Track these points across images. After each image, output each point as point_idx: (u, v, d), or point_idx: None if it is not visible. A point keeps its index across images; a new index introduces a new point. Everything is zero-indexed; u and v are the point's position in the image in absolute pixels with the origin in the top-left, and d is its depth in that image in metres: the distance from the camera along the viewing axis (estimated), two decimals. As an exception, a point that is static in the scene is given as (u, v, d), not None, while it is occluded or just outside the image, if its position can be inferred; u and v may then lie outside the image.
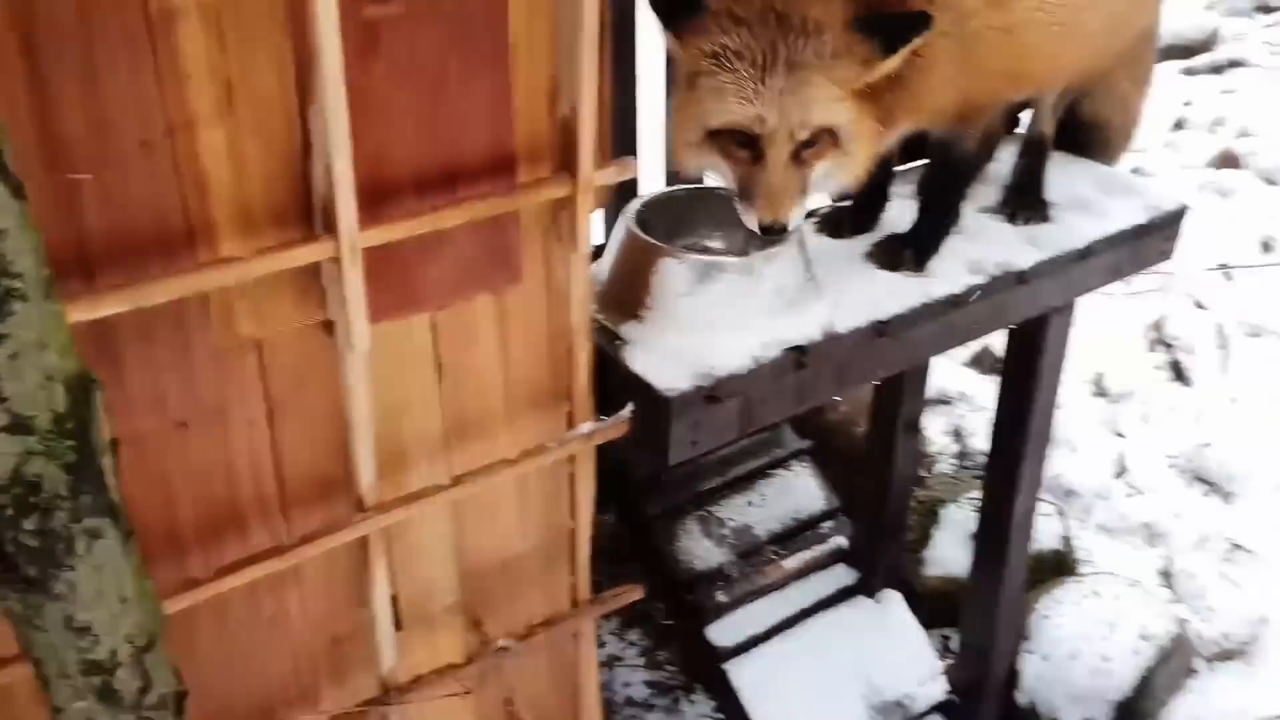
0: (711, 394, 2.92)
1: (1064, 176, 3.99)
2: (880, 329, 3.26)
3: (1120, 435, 6.49)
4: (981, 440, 6.14)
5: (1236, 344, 6.94)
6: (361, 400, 2.54)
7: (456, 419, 2.82)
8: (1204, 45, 11.85)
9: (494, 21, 2.45)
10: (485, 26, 2.45)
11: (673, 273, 3.04)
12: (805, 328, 3.14)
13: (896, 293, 3.37)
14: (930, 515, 5.56)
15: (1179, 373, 6.82)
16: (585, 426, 2.94)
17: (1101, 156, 4.27)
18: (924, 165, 3.69)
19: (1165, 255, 4.10)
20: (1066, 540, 5.57)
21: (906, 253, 3.49)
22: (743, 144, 2.79)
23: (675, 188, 3.49)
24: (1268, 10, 12.93)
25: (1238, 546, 5.60)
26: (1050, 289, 3.75)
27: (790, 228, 2.87)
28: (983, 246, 3.64)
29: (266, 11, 2.15)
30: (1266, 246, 7.98)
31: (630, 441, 3.02)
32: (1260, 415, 6.49)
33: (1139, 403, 6.67)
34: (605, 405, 3.02)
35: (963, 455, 6.21)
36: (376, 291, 2.43)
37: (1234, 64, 11.21)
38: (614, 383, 3.00)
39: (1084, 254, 3.75)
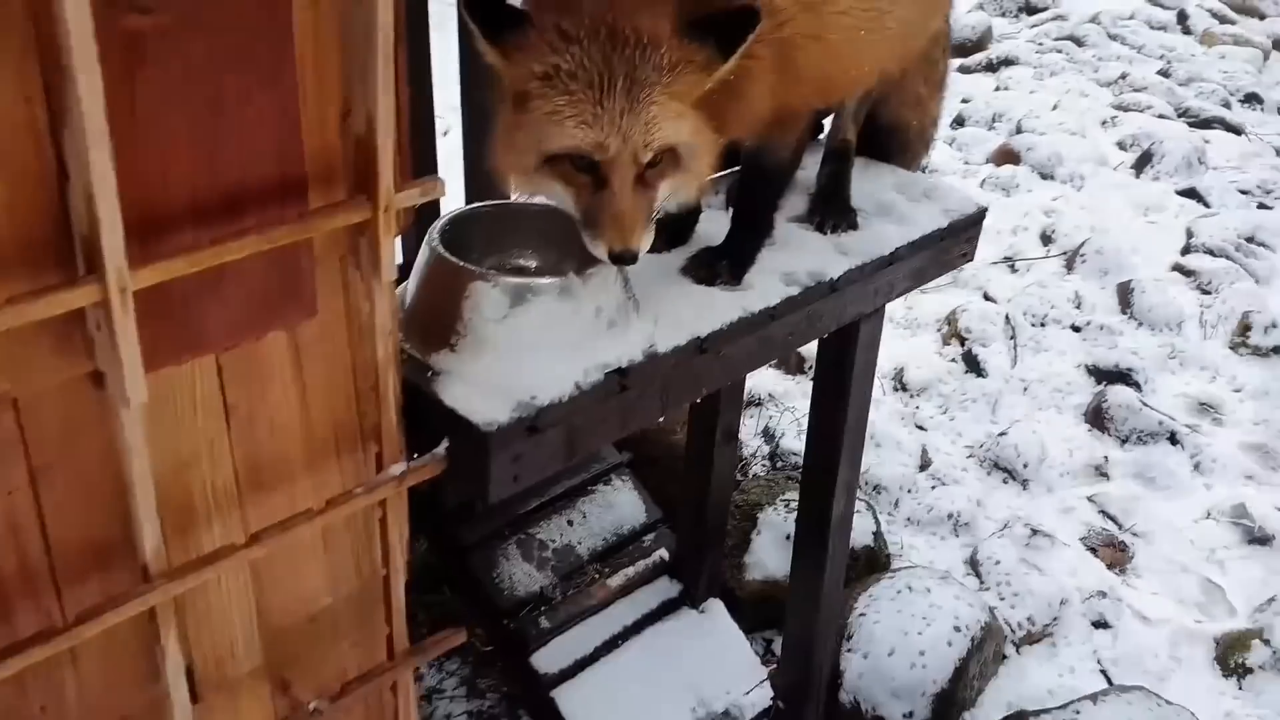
0: (533, 425, 2.76)
1: (868, 182, 4.02)
2: (700, 346, 3.17)
3: (922, 428, 6.67)
4: (792, 440, 6.20)
5: (1024, 334, 7.26)
6: (140, 457, 2.25)
7: (251, 469, 2.55)
8: (978, 44, 12.45)
9: (276, 32, 2.21)
10: (266, 37, 2.20)
11: (485, 297, 2.85)
12: (626, 348, 3.01)
13: (715, 307, 3.29)
14: (749, 519, 5.55)
15: (974, 365, 7.08)
16: (396, 468, 2.72)
17: (902, 160, 4.33)
18: (734, 176, 3.63)
19: (967, 257, 4.19)
20: (878, 536, 5.67)
21: (722, 266, 3.41)
22: (584, 169, 2.66)
23: (482, 204, 3.30)
24: (1033, 11, 13.70)
25: (1036, 531, 5.84)
26: (860, 296, 3.75)
27: (641, 254, 2.73)
28: (794, 256, 3.61)
29: (2, 23, 1.85)
30: (1046, 239, 8.40)
31: (447, 478, 2.82)
32: (1049, 402, 6.81)
33: (938, 396, 6.88)
34: (418, 443, 2.81)
35: (775, 456, 6.26)
36: (152, 335, 2.15)
37: (1006, 62, 11.81)
38: (426, 418, 2.79)
39: (891, 259, 3.77)
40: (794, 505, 4.85)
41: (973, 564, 5.71)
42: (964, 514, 5.95)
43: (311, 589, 2.86)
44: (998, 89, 11.23)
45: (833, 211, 3.81)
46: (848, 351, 3.98)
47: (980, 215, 4.09)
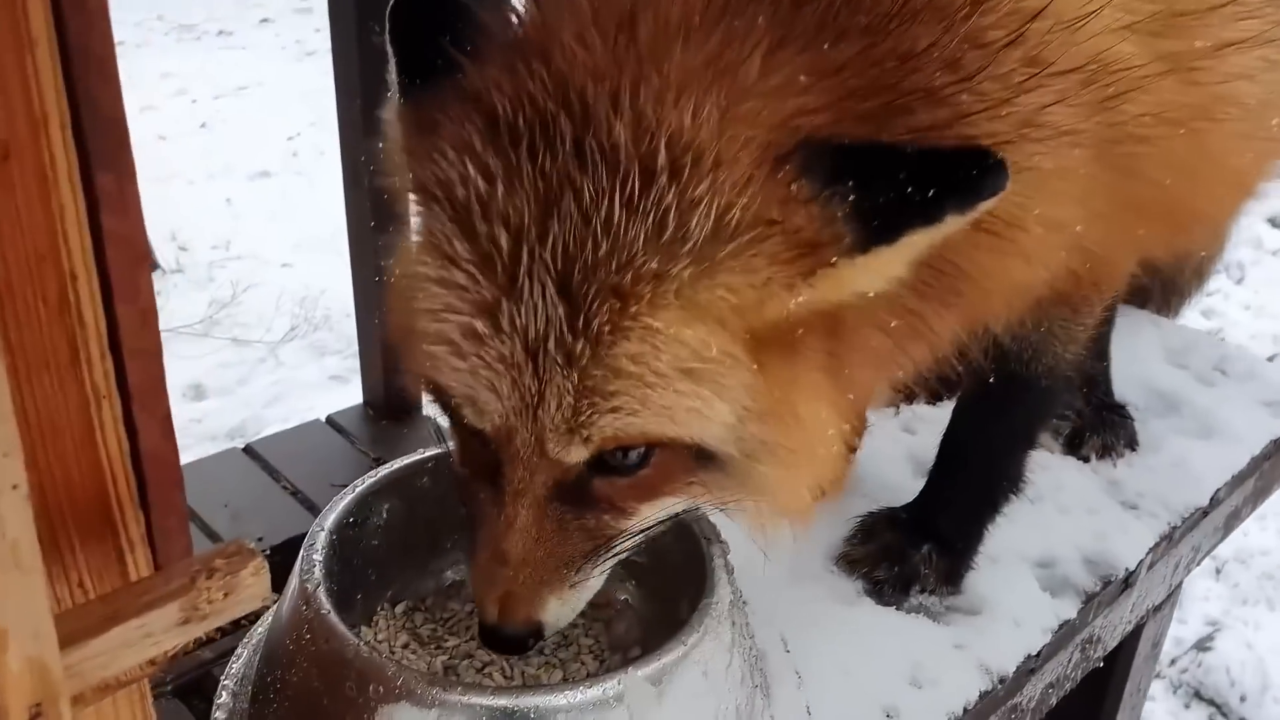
0: None
1: (1120, 349, 2.28)
2: (906, 775, 1.44)
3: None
4: None
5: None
6: None
7: None
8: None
9: None
10: None
11: None
12: None
13: (917, 657, 1.57)
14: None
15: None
16: None
17: (1163, 303, 2.61)
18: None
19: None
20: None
21: (924, 558, 1.71)
22: (477, 438, 1.23)
23: (415, 459, 1.55)
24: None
25: None
26: (1155, 581, 2.01)
27: (548, 632, 1.27)
28: (1043, 518, 1.89)
29: None
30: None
31: None
32: (1256, 594, 5.00)
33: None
34: None
35: None
36: None
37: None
38: None
39: (1209, 507, 2.04)
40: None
41: None
42: (1166, 778, 4.14)
43: None
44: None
45: (1098, 421, 2.08)
46: (1112, 672, 2.23)
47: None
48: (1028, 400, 1.62)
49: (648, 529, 1.25)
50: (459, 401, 1.16)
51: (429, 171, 1.14)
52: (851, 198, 1.05)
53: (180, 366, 5.74)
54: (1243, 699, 4.46)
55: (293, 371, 5.97)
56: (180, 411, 5.44)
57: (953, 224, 1.05)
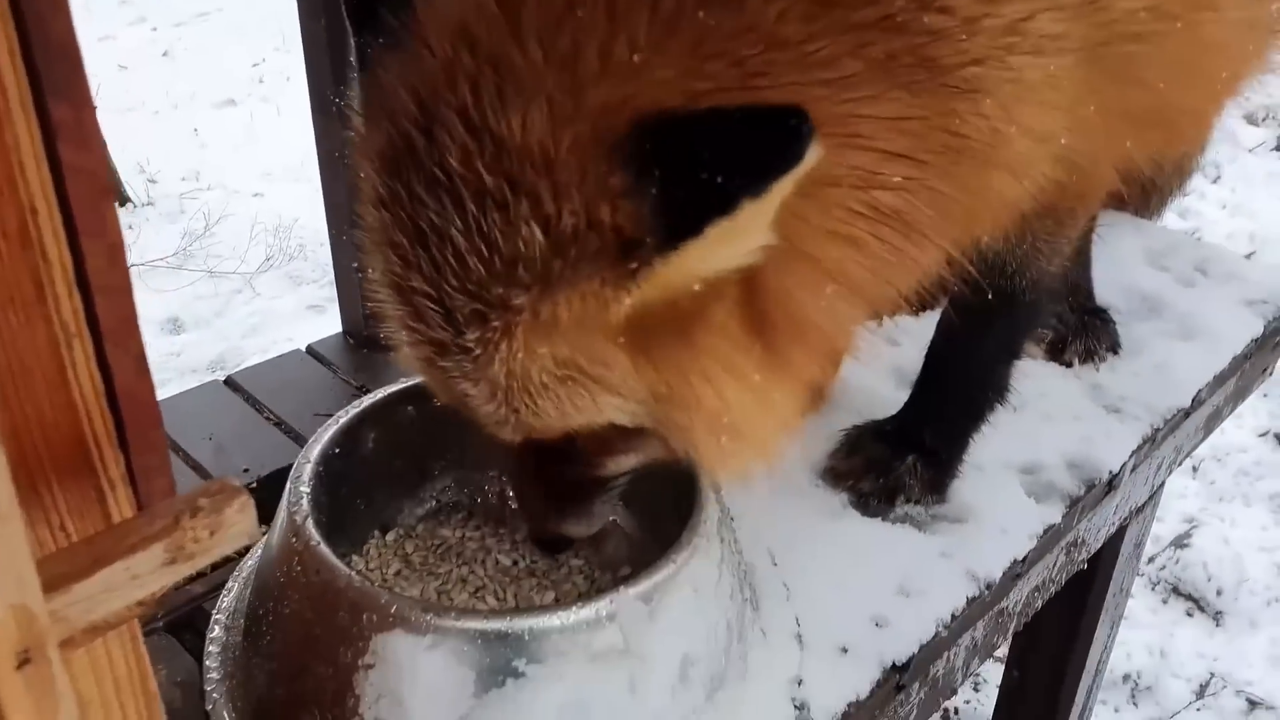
0: None
1: (1102, 252, 2.27)
2: (898, 680, 1.46)
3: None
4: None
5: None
6: None
7: None
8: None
9: None
10: None
11: (413, 669, 1.15)
12: None
13: (904, 568, 1.58)
14: None
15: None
16: None
17: (1143, 206, 2.60)
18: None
19: (1269, 373, 2.46)
20: None
21: (909, 468, 1.71)
22: None
23: (382, 395, 1.53)
24: None
25: (1254, 702, 4.13)
26: (1138, 483, 2.03)
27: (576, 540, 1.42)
28: (1028, 425, 1.90)
29: None
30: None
31: None
32: (1232, 490, 5.08)
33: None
34: None
35: None
36: None
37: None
38: None
39: (1191, 408, 2.05)
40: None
41: (1168, 753, 4.00)
42: (1143, 672, 4.23)
43: None
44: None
45: (1079, 325, 2.08)
46: (1095, 573, 2.26)
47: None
48: (1012, 314, 1.61)
49: (626, 472, 1.30)
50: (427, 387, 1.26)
51: (360, 181, 1.16)
52: (654, 191, 0.99)
53: (157, 300, 5.68)
54: (1219, 593, 4.56)
55: (270, 302, 5.92)
56: (158, 345, 5.42)
57: (754, 209, 0.97)
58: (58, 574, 0.68)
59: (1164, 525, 4.84)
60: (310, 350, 2.34)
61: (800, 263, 1.11)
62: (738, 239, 1.02)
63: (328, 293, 5.67)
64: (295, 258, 6.18)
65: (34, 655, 0.66)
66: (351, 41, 1.18)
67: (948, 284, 1.37)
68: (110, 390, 0.75)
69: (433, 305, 1.08)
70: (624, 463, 1.27)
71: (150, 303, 5.48)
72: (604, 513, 1.36)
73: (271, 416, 2.09)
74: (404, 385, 1.51)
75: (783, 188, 0.97)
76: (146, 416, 0.78)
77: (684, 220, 0.98)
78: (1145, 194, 2.55)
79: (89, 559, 0.70)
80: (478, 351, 1.08)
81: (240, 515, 0.76)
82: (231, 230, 6.34)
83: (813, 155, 0.95)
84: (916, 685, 1.52)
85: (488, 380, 1.10)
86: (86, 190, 0.68)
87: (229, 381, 2.19)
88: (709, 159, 0.95)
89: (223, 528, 0.75)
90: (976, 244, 1.37)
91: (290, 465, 1.36)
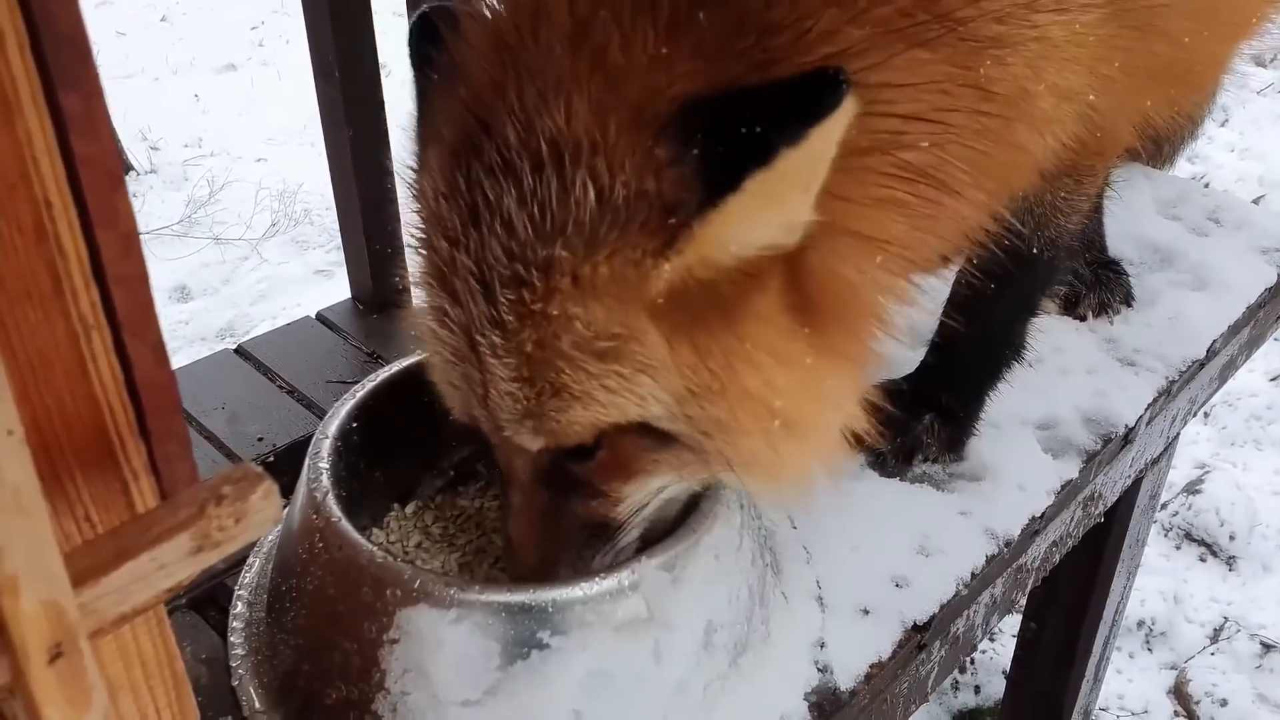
0: None
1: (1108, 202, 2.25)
2: (919, 639, 1.47)
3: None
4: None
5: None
6: None
7: None
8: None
9: None
10: None
11: (438, 642, 1.16)
12: (777, 690, 1.31)
13: (928, 528, 1.59)
14: None
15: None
16: None
17: (1155, 155, 2.57)
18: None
19: (1283, 322, 2.44)
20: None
21: (927, 427, 1.71)
22: None
23: (399, 368, 1.52)
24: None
25: (1268, 645, 4.16)
26: (1153, 436, 2.03)
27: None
28: (1043, 380, 1.89)
29: None
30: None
31: None
32: (1243, 435, 5.07)
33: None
34: None
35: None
36: None
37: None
38: None
39: (1206, 358, 2.04)
40: None
41: (1180, 698, 4.03)
42: (1157, 618, 4.25)
43: None
44: None
45: (1093, 278, 2.07)
46: (1111, 526, 2.26)
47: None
48: (1030, 271, 1.60)
49: (641, 511, 1.25)
50: (439, 389, 1.26)
51: (419, 193, 1.21)
52: (696, 152, 1.02)
53: (163, 268, 5.67)
54: (1232, 537, 4.58)
55: (277, 268, 5.91)
56: (167, 313, 5.42)
57: (795, 157, 0.99)
58: (85, 567, 0.68)
59: (1176, 472, 4.84)
60: (320, 317, 2.33)
61: (845, 239, 1.12)
62: (776, 200, 1.04)
63: (334, 257, 5.66)
64: (301, 223, 6.16)
65: (66, 649, 0.67)
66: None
67: (989, 239, 1.35)
68: (130, 380, 0.75)
69: (473, 280, 1.10)
70: (645, 489, 1.23)
71: (158, 271, 5.47)
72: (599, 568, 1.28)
73: (284, 384, 2.09)
74: (420, 357, 1.50)
75: (823, 139, 0.99)
76: (167, 405, 0.77)
77: (724, 174, 1.01)
78: (1157, 144, 2.53)
79: (115, 551, 0.70)
80: (510, 319, 1.08)
81: (265, 502, 0.76)
82: (236, 196, 6.32)
83: (850, 105, 0.98)
84: (938, 644, 1.52)
85: (518, 354, 1.10)
86: (99, 181, 0.67)
87: (240, 350, 2.19)
88: (748, 116, 0.98)
89: (248, 515, 0.75)
90: (1015, 197, 1.37)
91: (303, 433, 1.36)
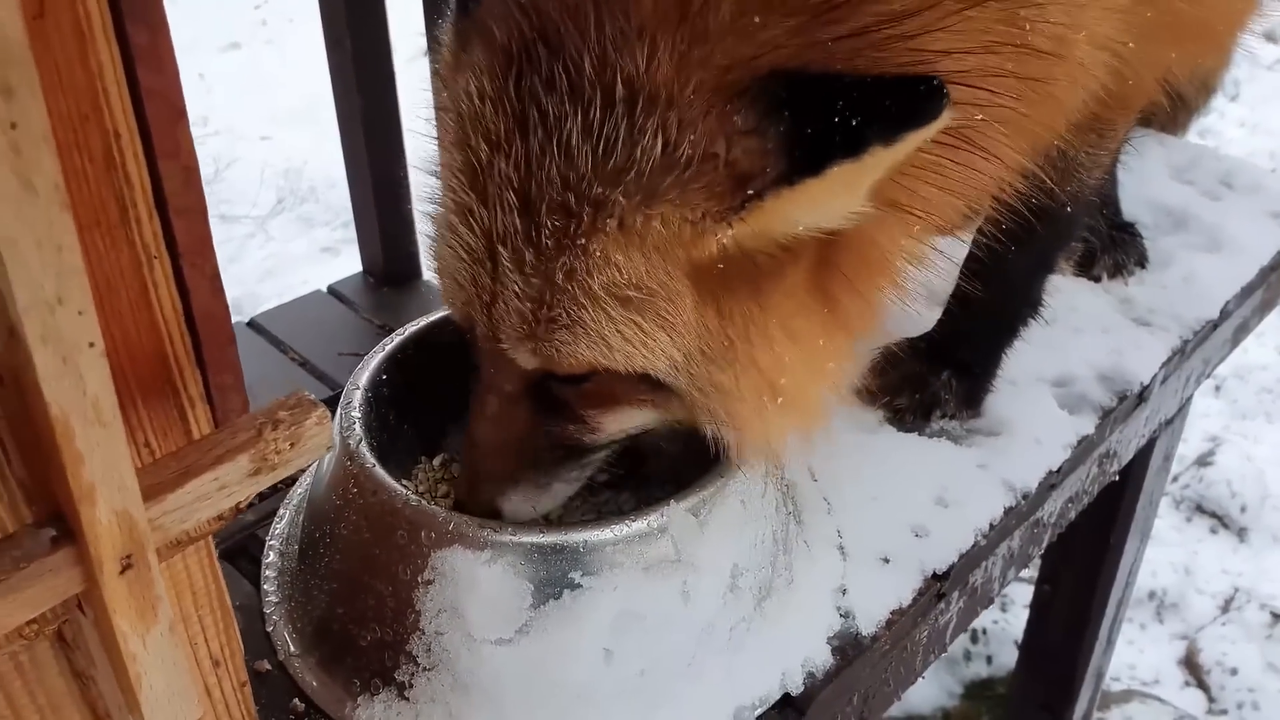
0: None
1: (1122, 167, 2.27)
2: (939, 589, 1.49)
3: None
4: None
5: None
6: None
7: None
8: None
9: None
10: None
11: (473, 585, 1.18)
12: (802, 637, 1.34)
13: (943, 480, 1.61)
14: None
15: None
16: None
17: (1168, 121, 2.59)
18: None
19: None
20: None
21: (945, 383, 1.73)
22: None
23: (425, 323, 1.55)
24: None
25: (1278, 616, 4.19)
26: (1167, 395, 2.05)
27: (506, 519, 1.31)
28: (1060, 338, 1.92)
29: None
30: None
31: None
32: (1255, 408, 5.08)
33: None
34: None
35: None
36: None
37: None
38: None
39: (1219, 319, 2.06)
40: None
41: (1191, 668, 4.06)
42: (1168, 589, 4.28)
43: None
44: None
45: (1108, 239, 2.08)
46: (1125, 485, 2.28)
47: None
48: (1050, 228, 1.61)
49: (614, 442, 1.29)
50: (439, 281, 1.24)
51: (453, 88, 1.18)
52: (782, 129, 1.03)
53: (172, 247, 5.68)
54: (1243, 509, 4.60)
55: (283, 245, 5.92)
56: (178, 292, 5.45)
57: (882, 155, 1.01)
58: (153, 484, 0.71)
59: (1188, 445, 4.86)
60: (331, 290, 2.36)
61: (885, 210, 1.13)
62: (851, 190, 1.06)
63: (340, 235, 5.68)
64: (307, 200, 6.17)
65: (135, 560, 0.70)
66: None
67: (1015, 197, 1.38)
68: (188, 310, 0.77)
69: (511, 191, 1.10)
70: (625, 423, 1.26)
71: (166, 250, 5.48)
72: (559, 494, 1.33)
73: (296, 357, 2.12)
74: (444, 314, 1.53)
75: (912, 144, 1.01)
76: (222, 335, 0.80)
77: (810, 155, 1.02)
78: (1173, 109, 2.54)
79: (180, 470, 0.73)
80: (548, 243, 1.09)
81: (318, 427, 0.79)
82: (241, 174, 6.33)
83: (946, 117, 1.00)
84: (956, 594, 1.55)
85: (543, 277, 1.10)
86: (163, 113, 0.70)
87: (252, 324, 2.21)
88: (845, 105, 1.00)
89: (303, 439, 0.78)
90: (1043, 153, 1.38)
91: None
